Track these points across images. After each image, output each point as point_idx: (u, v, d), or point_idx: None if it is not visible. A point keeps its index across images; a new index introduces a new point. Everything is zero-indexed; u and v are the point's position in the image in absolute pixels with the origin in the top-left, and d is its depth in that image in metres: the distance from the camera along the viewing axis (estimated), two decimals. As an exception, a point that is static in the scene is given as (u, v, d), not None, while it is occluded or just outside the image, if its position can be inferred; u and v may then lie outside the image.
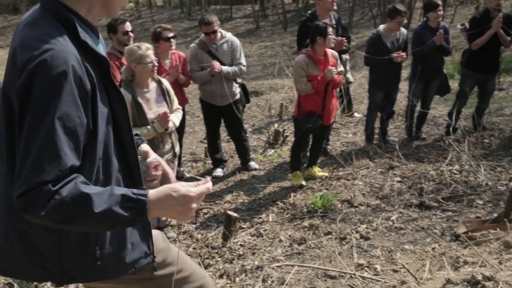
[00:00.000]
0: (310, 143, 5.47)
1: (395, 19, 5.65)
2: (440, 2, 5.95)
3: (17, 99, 1.39)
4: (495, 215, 3.62)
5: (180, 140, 5.66)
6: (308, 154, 5.56)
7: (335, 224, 4.08)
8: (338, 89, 5.78)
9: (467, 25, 6.05)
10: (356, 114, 7.91)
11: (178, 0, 24.54)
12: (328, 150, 6.07)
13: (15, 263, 1.62)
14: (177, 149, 4.27)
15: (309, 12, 5.78)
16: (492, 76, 6.16)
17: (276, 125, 7.10)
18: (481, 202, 4.10)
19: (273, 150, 6.59)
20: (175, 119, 4.13)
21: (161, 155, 3.74)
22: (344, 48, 5.57)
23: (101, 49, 1.61)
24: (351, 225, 4.02)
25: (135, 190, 1.43)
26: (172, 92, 4.21)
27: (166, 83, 4.20)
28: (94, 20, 1.59)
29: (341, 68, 5.08)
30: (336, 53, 5.09)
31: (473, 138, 6.06)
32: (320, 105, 4.91)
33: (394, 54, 5.72)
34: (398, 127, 7.26)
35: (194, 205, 1.46)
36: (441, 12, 5.85)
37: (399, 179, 4.96)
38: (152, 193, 1.44)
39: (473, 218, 3.78)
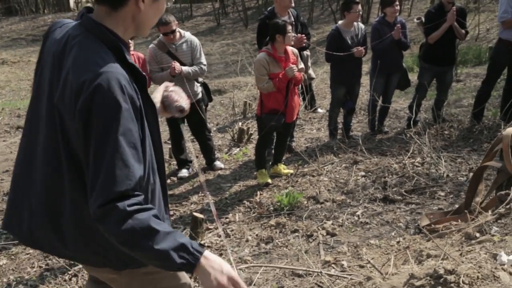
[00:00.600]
0: (275, 140, 5.47)
1: (352, 9, 5.72)
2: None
3: (79, 120, 1.50)
4: (457, 206, 3.69)
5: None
6: (273, 151, 5.56)
7: (301, 221, 4.09)
8: (300, 86, 5.81)
9: (423, 19, 6.15)
10: (319, 110, 7.97)
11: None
12: (293, 147, 6.09)
13: (79, 253, 1.79)
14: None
15: (268, 10, 5.77)
16: (450, 68, 6.29)
17: (240, 124, 7.08)
18: (443, 193, 4.18)
19: (238, 149, 6.57)
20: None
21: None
22: (304, 44, 5.58)
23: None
24: (317, 221, 4.04)
25: (194, 245, 1.55)
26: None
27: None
28: (127, 39, 1.72)
29: (301, 65, 5.09)
30: (296, 51, 5.09)
31: (434, 130, 6.18)
32: (282, 103, 4.91)
33: (354, 49, 5.78)
34: (361, 121, 7.35)
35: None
36: (397, 7, 5.94)
37: (363, 173, 5.01)
38: (207, 255, 1.57)
39: (435, 210, 3.84)
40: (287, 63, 4.88)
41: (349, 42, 5.88)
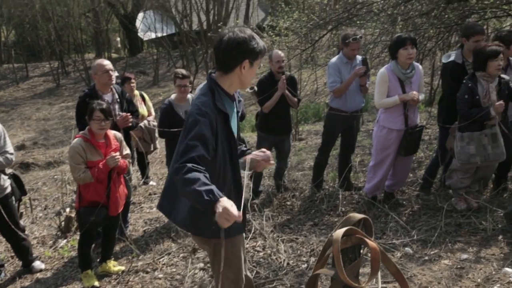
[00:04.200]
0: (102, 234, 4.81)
1: (175, 83, 5.47)
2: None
3: (185, 125, 2.70)
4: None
5: None
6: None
7: None
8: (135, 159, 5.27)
9: (255, 88, 5.99)
10: (151, 182, 7.47)
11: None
12: (127, 234, 5.43)
13: (177, 218, 2.91)
14: None
15: (88, 87, 5.21)
16: (286, 137, 6.17)
17: (67, 210, 6.23)
18: (283, 289, 3.83)
19: (65, 241, 5.74)
20: None
21: None
22: (130, 124, 5.07)
23: (229, 106, 2.80)
24: None
25: (218, 192, 2.40)
26: None
27: None
28: (232, 91, 2.83)
29: (126, 151, 4.57)
30: (119, 135, 4.57)
31: (277, 200, 5.97)
32: (104, 194, 4.32)
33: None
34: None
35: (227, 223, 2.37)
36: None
37: (202, 265, 4.53)
38: (223, 198, 2.38)
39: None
40: (108, 150, 4.34)
41: (183, 116, 5.50)
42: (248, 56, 2.71)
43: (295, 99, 5.94)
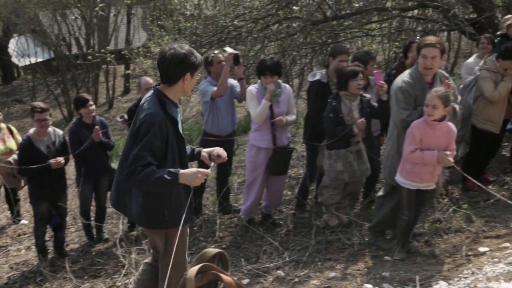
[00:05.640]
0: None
1: (33, 117, 5.18)
2: (89, 97, 5.62)
3: (136, 132, 3.04)
4: None
5: None
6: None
7: None
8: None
9: (126, 116, 5.79)
10: (23, 221, 6.93)
11: None
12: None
13: (126, 210, 3.35)
14: None
15: None
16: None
17: None
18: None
19: None
20: None
21: None
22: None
23: (176, 113, 3.22)
24: None
25: (173, 170, 3.00)
26: None
27: None
28: (177, 99, 3.29)
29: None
30: None
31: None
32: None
33: (52, 161, 5.10)
34: (80, 229, 6.56)
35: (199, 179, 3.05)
36: (92, 107, 5.50)
37: (68, 310, 4.23)
38: (182, 170, 3.02)
39: None
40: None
41: (45, 151, 5.17)
42: (189, 69, 3.11)
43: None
